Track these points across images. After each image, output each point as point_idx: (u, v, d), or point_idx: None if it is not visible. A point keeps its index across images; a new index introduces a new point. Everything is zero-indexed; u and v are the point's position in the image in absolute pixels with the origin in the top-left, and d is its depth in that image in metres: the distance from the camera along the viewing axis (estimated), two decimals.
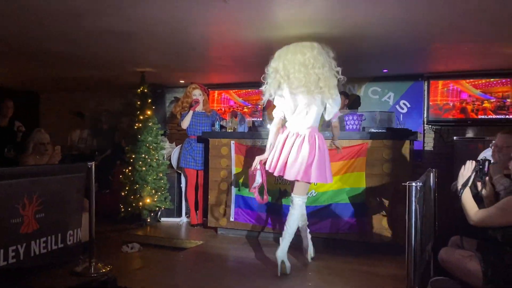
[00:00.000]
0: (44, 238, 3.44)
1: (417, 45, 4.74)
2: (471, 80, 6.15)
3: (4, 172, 3.13)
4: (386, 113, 5.03)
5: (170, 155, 6.15)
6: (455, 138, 6.13)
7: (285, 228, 3.64)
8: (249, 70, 6.21)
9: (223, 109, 7.35)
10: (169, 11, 3.62)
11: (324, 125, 4.50)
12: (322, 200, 4.43)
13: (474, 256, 2.58)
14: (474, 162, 2.83)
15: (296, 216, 3.63)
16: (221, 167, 4.97)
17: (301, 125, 3.58)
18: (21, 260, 3.16)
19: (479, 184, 2.84)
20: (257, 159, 3.66)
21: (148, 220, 5.66)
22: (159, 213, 5.83)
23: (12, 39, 4.52)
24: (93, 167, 3.70)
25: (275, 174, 3.59)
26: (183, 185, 5.84)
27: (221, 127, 5.47)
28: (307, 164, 3.47)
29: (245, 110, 7.29)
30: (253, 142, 4.82)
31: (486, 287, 2.47)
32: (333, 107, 3.61)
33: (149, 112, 5.88)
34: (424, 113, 6.43)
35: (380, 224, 4.25)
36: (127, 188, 5.74)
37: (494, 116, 6.05)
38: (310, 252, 3.96)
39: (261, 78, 3.68)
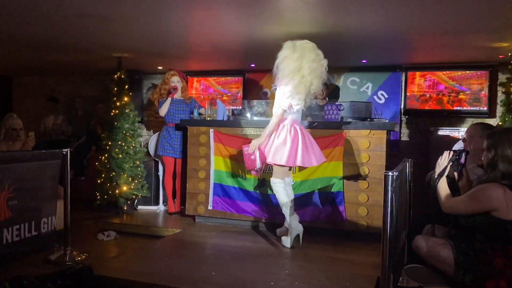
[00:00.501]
0: (17, 226, 3.37)
1: (395, 37, 4.78)
2: (448, 72, 6.25)
3: None
4: (364, 103, 5.07)
5: (147, 143, 6.08)
6: (431, 129, 6.25)
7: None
8: (229, 58, 6.17)
9: (202, 97, 7.29)
10: None
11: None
12: (300, 189, 4.46)
13: (447, 244, 2.65)
14: (451, 152, 2.89)
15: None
16: (199, 155, 4.94)
17: (298, 119, 3.97)
18: None
19: (456, 175, 2.91)
20: (255, 142, 3.85)
21: (125, 208, 5.61)
22: (136, 201, 5.78)
23: None
24: (68, 153, 3.63)
25: (302, 165, 3.88)
26: (160, 173, 5.79)
27: (200, 115, 5.43)
28: (315, 150, 3.93)
29: (225, 98, 7.25)
30: (232, 130, 4.80)
31: (457, 273, 2.54)
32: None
33: (126, 99, 5.79)
34: (401, 104, 6.52)
35: (357, 212, 4.31)
36: (103, 175, 5.66)
37: (469, 108, 6.18)
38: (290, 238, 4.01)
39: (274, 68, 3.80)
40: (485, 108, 6.07)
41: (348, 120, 4.50)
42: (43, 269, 3.31)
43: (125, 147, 5.68)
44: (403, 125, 6.51)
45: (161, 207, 5.75)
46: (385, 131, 4.30)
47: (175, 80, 5.46)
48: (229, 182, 4.77)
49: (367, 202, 4.28)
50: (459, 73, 6.20)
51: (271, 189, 4.54)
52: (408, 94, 6.45)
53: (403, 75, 6.50)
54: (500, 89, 5.75)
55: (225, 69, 7.07)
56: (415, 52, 5.75)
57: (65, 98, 8.22)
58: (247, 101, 6.10)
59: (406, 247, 3.21)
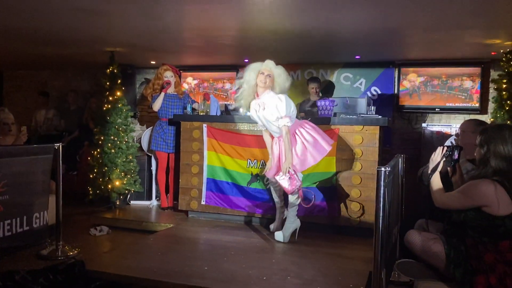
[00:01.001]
0: (8, 221, 3.36)
1: (388, 33, 4.79)
2: (440, 68, 6.28)
3: None
4: (357, 99, 5.09)
5: (140, 138, 6.06)
6: (423, 125, 6.29)
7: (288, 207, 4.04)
8: (222, 53, 6.15)
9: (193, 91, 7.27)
10: None
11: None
12: None
13: (438, 239, 2.67)
14: (444, 148, 2.91)
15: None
16: (192, 150, 4.94)
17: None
18: None
19: (449, 170, 2.93)
20: (286, 165, 3.81)
21: (117, 203, 5.59)
22: (128, 196, 5.76)
23: None
24: (61, 148, 3.61)
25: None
26: (153, 168, 5.77)
27: (193, 110, 5.41)
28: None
29: (217, 93, 7.23)
30: (226, 125, 4.79)
31: (448, 268, 2.56)
32: None
33: (118, 93, 5.75)
34: (394, 100, 6.54)
35: (349, 207, 4.33)
36: (95, 170, 5.63)
37: (461, 104, 6.21)
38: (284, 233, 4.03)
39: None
40: (477, 105, 6.12)
41: (341, 116, 4.51)
42: (35, 264, 3.30)
43: (118, 142, 5.65)
44: (396, 121, 6.54)
45: (154, 202, 5.74)
46: (378, 126, 4.31)
47: (169, 75, 5.44)
48: (222, 177, 4.77)
49: (359, 197, 4.30)
50: (452, 69, 6.23)
51: (264, 184, 4.56)
52: (401, 90, 6.48)
53: (396, 71, 6.52)
54: (492, 86, 5.78)
55: (219, 64, 7.04)
56: (408, 48, 5.76)
57: (57, 92, 8.15)
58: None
59: (398, 242, 3.24)
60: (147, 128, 6.35)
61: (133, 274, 3.12)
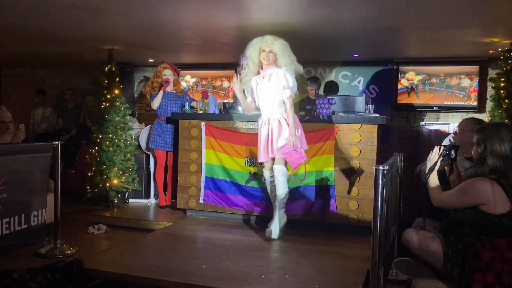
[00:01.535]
0: (6, 219, 3.35)
1: (386, 31, 4.79)
2: (438, 66, 6.29)
3: None
4: (355, 97, 5.09)
5: (138, 136, 6.05)
6: (421, 123, 6.29)
7: (277, 202, 4.03)
8: (220, 51, 6.14)
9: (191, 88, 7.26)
10: None
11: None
12: (291, 182, 4.47)
13: (436, 237, 2.68)
14: (441, 147, 2.91)
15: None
16: (190, 148, 4.93)
17: None
18: None
19: (446, 169, 2.94)
20: (292, 137, 3.81)
21: (115, 201, 5.59)
22: (126, 195, 5.76)
23: None
24: (59, 146, 3.60)
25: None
26: (152, 166, 5.77)
27: (191, 108, 5.41)
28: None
29: (215, 91, 7.23)
30: (224, 124, 4.79)
31: (445, 266, 2.57)
32: None
33: (116, 91, 5.75)
34: (392, 98, 6.55)
35: (348, 206, 4.34)
36: (93, 168, 5.63)
37: (459, 103, 6.22)
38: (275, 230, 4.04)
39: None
40: (475, 103, 6.13)
41: (340, 114, 4.51)
42: (33, 262, 3.29)
43: (116, 140, 5.65)
44: (394, 119, 6.54)
45: (152, 201, 5.73)
46: (376, 125, 4.31)
47: (167, 73, 5.43)
48: (221, 175, 4.77)
49: (357, 196, 4.30)
50: (450, 68, 6.24)
51: (263, 183, 4.56)
52: (399, 88, 6.49)
53: (394, 69, 6.52)
54: (490, 84, 5.79)
55: (217, 62, 7.03)
56: (407, 47, 5.77)
57: (55, 90, 8.13)
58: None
59: (396, 240, 3.25)
60: (145, 126, 6.34)
61: (131, 273, 3.12)
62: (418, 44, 5.50)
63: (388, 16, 4.20)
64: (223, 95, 7.19)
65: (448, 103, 6.27)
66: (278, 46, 3.87)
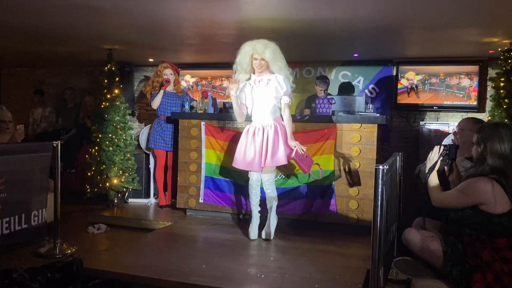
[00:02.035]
0: (6, 219, 3.35)
1: (386, 31, 4.79)
2: (438, 66, 6.29)
3: None
4: (355, 97, 5.09)
5: (138, 136, 6.05)
6: (421, 123, 6.29)
7: (268, 207, 4.08)
8: (221, 51, 6.13)
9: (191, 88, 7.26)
10: None
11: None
12: (291, 182, 4.48)
13: (436, 237, 2.68)
14: (441, 147, 2.91)
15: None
16: (190, 148, 4.93)
17: None
18: None
19: (446, 169, 2.94)
20: (296, 143, 3.86)
21: (115, 201, 5.58)
22: (126, 194, 5.76)
23: None
24: (59, 146, 3.60)
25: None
26: (151, 166, 5.77)
27: (191, 108, 5.41)
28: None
29: (215, 91, 7.23)
30: (223, 123, 4.79)
31: (445, 266, 2.57)
32: None
33: (116, 91, 5.74)
34: (392, 98, 6.55)
35: (347, 205, 4.34)
36: (93, 168, 5.63)
37: (458, 103, 6.23)
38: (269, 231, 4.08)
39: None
40: (475, 103, 6.13)
41: (340, 114, 4.51)
42: (33, 262, 3.29)
43: (116, 140, 5.64)
44: (394, 119, 6.54)
45: (151, 200, 5.73)
46: (376, 125, 4.32)
47: (168, 73, 5.43)
48: (220, 175, 4.77)
49: (357, 195, 4.30)
50: (450, 67, 6.24)
51: (262, 183, 4.55)
52: (399, 88, 6.49)
53: (394, 69, 6.52)
54: (489, 84, 5.79)
55: (217, 61, 7.03)
56: (406, 47, 5.77)
57: (54, 90, 8.13)
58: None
59: (396, 239, 3.25)
60: (145, 126, 6.34)
61: (131, 272, 3.12)
62: (418, 44, 5.50)
63: (388, 16, 4.20)
64: (223, 95, 7.19)
65: (448, 103, 6.27)
66: (269, 54, 3.81)
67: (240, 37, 5.25)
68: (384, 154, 4.76)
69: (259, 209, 4.13)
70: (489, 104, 5.75)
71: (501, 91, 5.05)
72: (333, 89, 6.61)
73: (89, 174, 5.66)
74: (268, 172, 3.95)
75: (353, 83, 6.68)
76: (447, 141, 4.02)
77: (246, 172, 4.64)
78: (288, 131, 3.88)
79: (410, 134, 6.48)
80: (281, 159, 3.84)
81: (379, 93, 6.59)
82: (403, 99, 6.48)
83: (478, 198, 2.52)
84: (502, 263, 2.44)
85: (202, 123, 4.85)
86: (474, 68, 6.12)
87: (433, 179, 2.86)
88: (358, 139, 4.31)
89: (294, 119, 4.48)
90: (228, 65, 7.07)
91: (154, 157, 5.62)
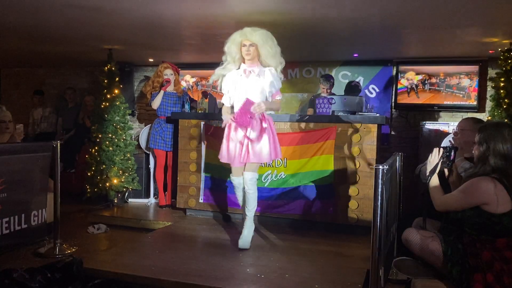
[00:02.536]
0: (6, 219, 3.35)
1: (386, 31, 4.80)
2: (438, 66, 6.29)
3: None
4: (355, 97, 5.09)
5: (138, 136, 6.05)
6: (421, 123, 6.29)
7: (246, 211, 3.78)
8: (220, 50, 6.12)
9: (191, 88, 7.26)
10: None
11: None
12: (291, 182, 4.48)
13: (436, 237, 2.68)
14: (441, 149, 2.89)
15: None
16: (190, 148, 4.93)
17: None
18: None
19: (445, 171, 2.92)
20: (264, 106, 3.61)
21: (115, 201, 5.58)
22: (126, 194, 5.75)
23: None
24: (58, 146, 3.60)
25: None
26: (151, 166, 5.77)
27: (191, 108, 5.41)
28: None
29: (215, 90, 7.22)
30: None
31: (445, 266, 2.56)
32: None
33: (116, 91, 5.74)
34: (392, 98, 6.55)
35: (347, 205, 4.34)
36: (93, 168, 5.63)
37: (458, 102, 6.23)
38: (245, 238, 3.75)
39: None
40: (475, 103, 6.13)
41: (340, 113, 4.51)
42: (33, 262, 3.29)
43: (116, 140, 5.65)
44: (394, 119, 6.54)
45: (151, 200, 5.73)
46: (376, 125, 4.31)
47: (168, 73, 5.43)
48: (220, 175, 4.77)
49: (357, 196, 4.30)
50: (450, 67, 6.24)
51: (262, 182, 4.56)
52: (399, 88, 6.49)
53: (394, 69, 6.52)
54: (489, 84, 5.79)
55: (217, 61, 7.00)
56: (406, 47, 5.77)
57: (55, 90, 8.13)
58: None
59: (396, 240, 3.25)
60: (145, 126, 6.34)
61: (131, 272, 3.12)
62: (418, 44, 5.50)
63: (388, 16, 4.20)
64: (222, 94, 7.18)
65: (448, 102, 6.27)
66: (258, 36, 3.53)
67: None
68: (384, 154, 4.77)
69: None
70: (489, 104, 5.75)
71: (501, 91, 5.05)
72: (335, 90, 6.60)
73: (89, 174, 5.66)
74: (251, 170, 3.68)
75: (353, 83, 6.67)
76: (446, 141, 4.02)
77: None
78: (267, 104, 3.61)
79: (410, 134, 6.48)
80: (265, 156, 3.61)
81: (379, 93, 6.59)
82: (403, 99, 6.47)
83: (481, 199, 2.50)
84: (503, 263, 2.43)
85: (202, 123, 4.84)
86: (474, 68, 6.12)
87: (434, 183, 2.83)
88: (358, 139, 4.31)
89: (294, 119, 4.49)
90: None
91: (154, 157, 5.62)
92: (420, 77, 6.39)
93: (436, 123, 6.26)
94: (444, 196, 2.74)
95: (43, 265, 3.08)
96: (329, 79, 5.82)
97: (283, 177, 4.51)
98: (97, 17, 4.42)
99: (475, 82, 6.12)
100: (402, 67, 6.46)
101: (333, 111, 4.62)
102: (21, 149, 3.56)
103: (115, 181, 5.53)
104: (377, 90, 6.59)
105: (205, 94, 5.27)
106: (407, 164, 3.88)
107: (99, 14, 4.28)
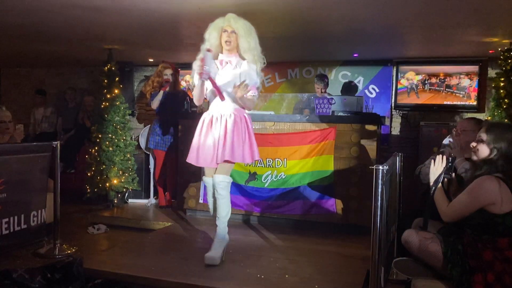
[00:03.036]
0: (6, 219, 3.35)
1: (386, 31, 4.80)
2: (438, 66, 6.29)
3: None
4: (355, 97, 5.09)
5: (138, 136, 6.05)
6: (421, 123, 6.29)
7: (217, 221, 3.46)
8: None
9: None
10: None
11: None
12: (291, 182, 4.47)
13: (435, 238, 2.66)
14: (444, 158, 2.85)
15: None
16: None
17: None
18: None
19: (445, 181, 2.89)
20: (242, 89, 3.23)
21: (115, 201, 5.58)
22: (126, 194, 5.75)
23: None
24: (58, 146, 3.60)
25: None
26: (151, 166, 5.77)
27: (191, 108, 5.40)
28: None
29: None
30: None
31: (445, 267, 2.56)
32: None
33: (116, 91, 5.74)
34: (392, 98, 6.55)
35: (347, 206, 4.33)
36: (93, 168, 5.62)
37: (458, 103, 6.23)
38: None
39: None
40: (475, 103, 6.13)
41: (339, 114, 4.51)
42: (32, 262, 3.29)
43: (116, 140, 5.64)
44: (394, 119, 6.54)
45: (151, 201, 5.73)
46: (376, 125, 4.31)
47: (168, 73, 5.43)
48: None
49: (357, 196, 4.30)
50: (450, 67, 6.24)
51: (262, 183, 4.55)
52: (399, 88, 6.49)
53: (394, 69, 6.53)
54: (489, 84, 5.79)
55: None
56: (406, 47, 5.77)
57: (55, 90, 8.13)
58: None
59: (396, 240, 3.24)
60: (145, 126, 6.34)
61: (131, 273, 3.12)
62: (418, 44, 5.50)
63: (388, 16, 4.20)
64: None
65: (448, 103, 6.27)
66: (242, 25, 3.26)
67: None
68: (384, 154, 4.77)
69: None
70: (489, 104, 5.75)
71: (501, 91, 5.05)
72: (334, 89, 6.61)
73: (89, 174, 5.66)
74: (223, 172, 3.34)
75: (353, 83, 6.67)
76: (447, 141, 4.00)
77: (246, 173, 4.65)
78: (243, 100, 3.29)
79: (410, 134, 6.48)
80: (238, 156, 3.29)
81: (379, 93, 6.59)
82: (403, 99, 6.48)
83: (487, 199, 2.46)
84: (504, 263, 2.42)
85: None
86: (474, 68, 6.13)
87: (440, 195, 2.76)
88: (357, 139, 4.31)
89: (294, 119, 4.49)
90: None
91: (154, 157, 5.62)
92: (420, 77, 6.39)
93: (436, 123, 6.26)
94: (450, 204, 2.66)
95: (43, 266, 3.08)
96: (323, 78, 5.82)
97: (283, 177, 4.50)
98: (97, 17, 4.41)
99: (475, 82, 6.13)
100: (402, 67, 6.46)
101: (333, 111, 4.62)
102: (21, 149, 3.56)
103: (115, 181, 5.53)
104: (377, 90, 6.60)
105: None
106: (407, 164, 3.87)
107: (99, 14, 4.28)
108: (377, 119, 4.37)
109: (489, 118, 5.32)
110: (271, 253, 3.70)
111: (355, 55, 6.28)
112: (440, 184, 2.80)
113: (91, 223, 4.47)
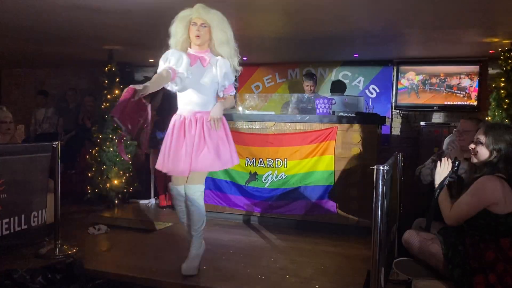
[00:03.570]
0: (6, 220, 3.35)
1: (386, 31, 4.79)
2: (438, 66, 6.29)
3: None
4: (355, 97, 5.09)
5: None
6: (421, 123, 6.29)
7: (192, 231, 3.17)
8: None
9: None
10: None
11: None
12: (291, 183, 4.47)
13: (436, 239, 2.66)
14: (449, 160, 2.83)
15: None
16: None
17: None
18: None
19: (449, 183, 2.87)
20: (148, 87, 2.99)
21: (116, 201, 5.58)
22: (127, 195, 5.75)
23: None
24: (58, 147, 3.60)
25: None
26: (152, 166, 5.76)
27: None
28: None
29: None
30: None
31: (446, 268, 2.55)
32: None
33: (117, 92, 5.74)
34: (392, 98, 6.55)
35: (348, 206, 4.33)
36: (94, 169, 5.63)
37: (458, 103, 6.23)
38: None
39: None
40: (475, 103, 6.13)
41: (340, 114, 4.51)
42: (33, 263, 3.29)
43: (116, 141, 5.64)
44: (394, 119, 6.54)
45: (152, 201, 5.73)
46: (376, 125, 4.31)
47: None
48: (221, 175, 4.77)
49: (358, 196, 4.30)
50: (450, 67, 6.24)
51: (263, 183, 4.56)
52: (399, 88, 6.49)
53: (394, 69, 6.53)
54: (490, 84, 5.79)
55: None
56: (407, 47, 5.77)
57: (55, 90, 8.14)
58: (238, 94, 6.08)
59: (397, 240, 3.24)
60: None
61: (132, 273, 3.12)
62: (418, 44, 5.50)
63: (388, 16, 4.20)
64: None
65: (448, 103, 6.27)
66: (213, 15, 2.91)
67: (240, 38, 5.25)
68: (384, 154, 4.76)
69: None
70: (489, 104, 5.75)
71: (501, 91, 5.05)
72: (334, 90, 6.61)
73: (89, 174, 5.66)
74: (196, 182, 3.05)
75: (353, 83, 6.68)
76: (447, 141, 4.01)
77: (246, 173, 4.65)
78: (222, 105, 3.03)
79: (410, 134, 6.48)
80: (215, 163, 2.97)
81: (379, 93, 6.59)
82: (403, 99, 6.48)
83: (491, 198, 2.45)
84: (506, 263, 2.41)
85: None
86: (474, 68, 6.13)
87: (444, 198, 2.73)
88: (358, 140, 4.30)
89: (294, 119, 4.49)
90: None
91: (154, 157, 5.61)
92: (420, 77, 6.39)
93: (436, 124, 6.26)
94: (453, 207, 2.63)
95: (44, 266, 3.08)
96: (312, 76, 5.77)
97: (284, 177, 4.50)
98: (98, 18, 4.42)
99: (475, 82, 6.13)
100: (402, 67, 6.46)
101: (333, 112, 4.62)
102: (21, 150, 3.56)
103: (115, 181, 5.53)
104: (378, 90, 6.60)
105: None
106: (407, 164, 3.87)
107: (99, 15, 4.28)
108: (378, 119, 4.37)
109: (489, 118, 5.32)
110: (272, 253, 3.70)
111: (356, 55, 6.28)
112: (445, 188, 2.77)
113: (91, 223, 4.47)
